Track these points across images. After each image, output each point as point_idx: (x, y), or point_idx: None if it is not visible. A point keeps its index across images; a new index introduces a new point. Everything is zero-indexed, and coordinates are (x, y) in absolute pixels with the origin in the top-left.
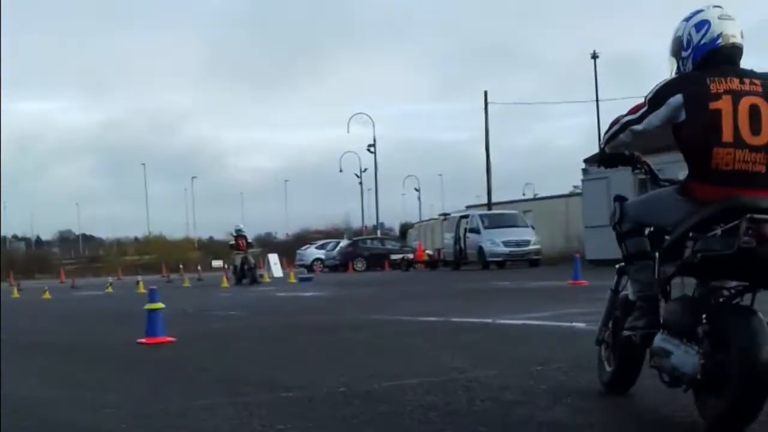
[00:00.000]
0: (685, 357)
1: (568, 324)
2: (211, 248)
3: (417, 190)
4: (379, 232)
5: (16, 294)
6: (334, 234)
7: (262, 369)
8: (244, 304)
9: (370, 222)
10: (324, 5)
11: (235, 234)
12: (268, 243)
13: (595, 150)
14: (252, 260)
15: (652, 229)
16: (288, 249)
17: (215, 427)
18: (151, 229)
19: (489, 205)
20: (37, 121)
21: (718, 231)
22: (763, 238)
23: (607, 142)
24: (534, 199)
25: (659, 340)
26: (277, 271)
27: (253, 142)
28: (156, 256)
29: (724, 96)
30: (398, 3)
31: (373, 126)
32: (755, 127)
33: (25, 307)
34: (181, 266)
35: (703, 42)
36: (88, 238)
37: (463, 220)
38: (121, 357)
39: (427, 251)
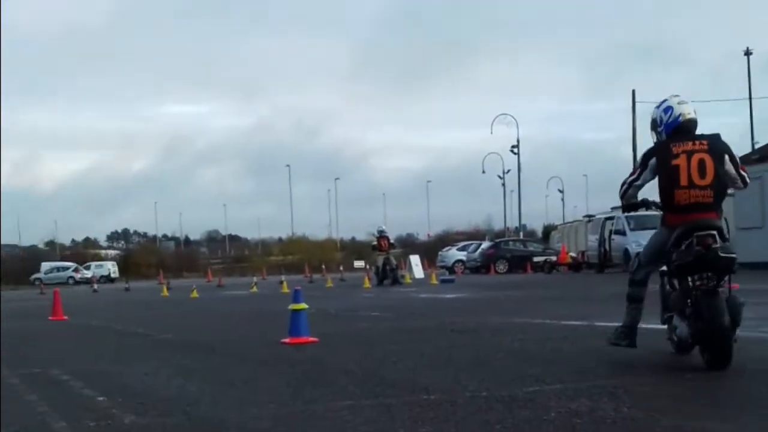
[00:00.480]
0: (682, 328)
1: None
2: (353, 249)
3: (561, 191)
4: (521, 233)
5: (165, 293)
6: (476, 235)
7: (405, 371)
8: (386, 305)
9: (513, 224)
10: (469, 4)
11: (377, 235)
12: (409, 244)
13: (746, 149)
14: (394, 261)
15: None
16: (429, 250)
17: (356, 429)
18: (295, 229)
19: None
20: (187, 124)
21: (683, 246)
22: (708, 246)
23: (623, 196)
24: None
25: (675, 320)
26: (418, 272)
27: (397, 143)
28: (299, 256)
29: (681, 155)
30: (544, 0)
31: (517, 126)
32: (702, 174)
33: (174, 305)
34: (323, 266)
35: (669, 121)
36: (234, 239)
37: (608, 222)
38: (265, 356)
39: (571, 253)
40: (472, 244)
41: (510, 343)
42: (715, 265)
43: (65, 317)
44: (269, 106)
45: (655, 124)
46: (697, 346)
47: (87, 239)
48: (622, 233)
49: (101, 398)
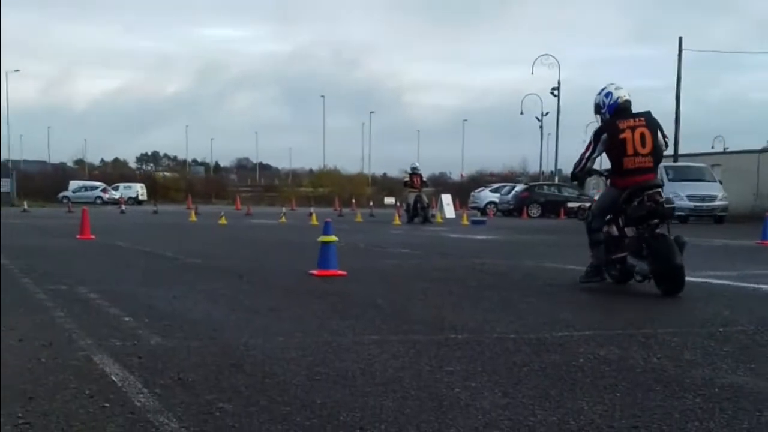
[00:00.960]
0: (642, 266)
1: (754, 285)
2: (384, 185)
3: None
4: (556, 178)
5: (193, 218)
6: (510, 178)
7: (433, 309)
8: (415, 242)
9: (548, 167)
10: None
11: (410, 172)
12: (441, 183)
13: None
14: (425, 199)
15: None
16: (461, 190)
17: (384, 363)
18: (327, 162)
19: (675, 156)
20: (223, 49)
21: (635, 202)
22: (656, 201)
23: (581, 170)
24: (723, 153)
25: (629, 259)
26: (449, 212)
27: (435, 79)
28: (329, 189)
29: (626, 130)
30: None
31: (559, 68)
32: (643, 144)
33: (201, 231)
34: (353, 201)
35: (610, 103)
36: (264, 167)
37: None
38: (292, 286)
39: None
40: (505, 186)
41: (540, 287)
42: (662, 215)
43: (92, 236)
44: (308, 34)
45: (598, 108)
46: (649, 279)
47: (116, 159)
48: None
49: (127, 318)
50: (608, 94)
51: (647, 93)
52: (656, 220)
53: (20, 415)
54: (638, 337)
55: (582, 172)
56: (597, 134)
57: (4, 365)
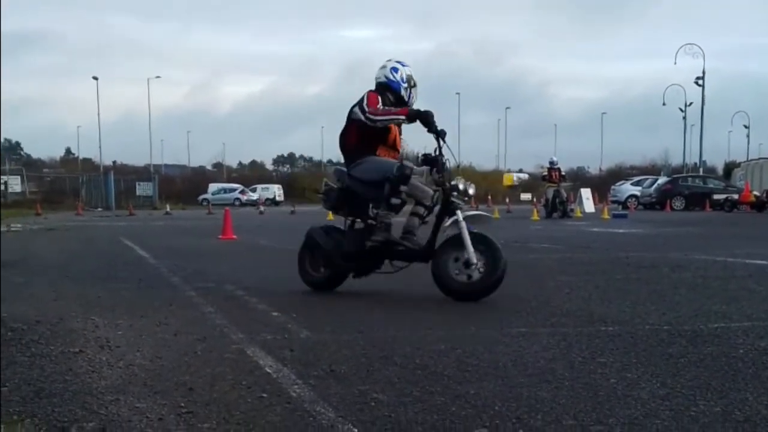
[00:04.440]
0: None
1: None
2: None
3: (746, 126)
4: (701, 169)
5: (330, 217)
6: (651, 170)
7: (580, 302)
8: (556, 237)
9: (692, 159)
10: None
11: (548, 166)
12: (580, 177)
13: None
14: (564, 194)
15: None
16: (601, 184)
17: (535, 355)
18: (462, 159)
19: None
20: (366, 49)
21: None
22: None
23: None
24: None
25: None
26: (588, 206)
27: (575, 73)
28: None
29: None
30: None
31: (704, 57)
32: None
33: None
34: (489, 197)
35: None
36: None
37: None
38: (432, 282)
39: (754, 192)
40: (647, 179)
41: (691, 279)
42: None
43: (235, 236)
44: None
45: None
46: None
47: (253, 162)
48: None
49: (276, 314)
50: (395, 69)
51: None
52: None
53: (182, 405)
54: None
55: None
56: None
57: (163, 358)
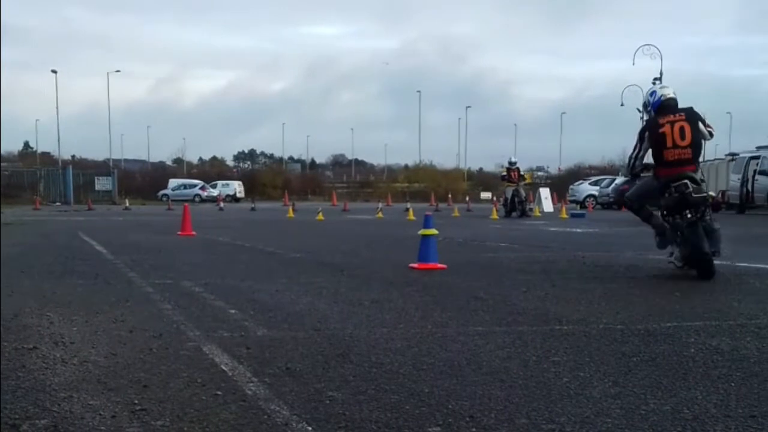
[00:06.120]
0: (677, 253)
1: None
2: (480, 179)
3: None
4: None
5: (291, 214)
6: (609, 170)
7: (536, 301)
8: (514, 236)
9: (650, 159)
10: None
11: (508, 166)
12: (539, 177)
13: None
14: (523, 193)
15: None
16: (560, 184)
17: (490, 354)
18: (422, 157)
19: None
20: (330, 46)
21: (666, 194)
22: (682, 193)
23: (632, 169)
24: None
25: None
26: (547, 205)
27: (533, 73)
28: (425, 184)
29: (666, 125)
30: None
31: (661, 59)
32: (683, 137)
33: (300, 227)
34: (449, 196)
35: (654, 101)
36: (359, 163)
37: (753, 161)
38: (393, 279)
39: (710, 192)
40: (605, 179)
41: (645, 279)
42: (690, 204)
43: (193, 233)
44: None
45: (645, 106)
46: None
47: (214, 158)
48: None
49: (233, 311)
50: (653, 93)
51: (752, 82)
52: (687, 210)
53: (136, 402)
54: (751, 327)
55: (634, 170)
56: (641, 133)
57: (117, 356)
